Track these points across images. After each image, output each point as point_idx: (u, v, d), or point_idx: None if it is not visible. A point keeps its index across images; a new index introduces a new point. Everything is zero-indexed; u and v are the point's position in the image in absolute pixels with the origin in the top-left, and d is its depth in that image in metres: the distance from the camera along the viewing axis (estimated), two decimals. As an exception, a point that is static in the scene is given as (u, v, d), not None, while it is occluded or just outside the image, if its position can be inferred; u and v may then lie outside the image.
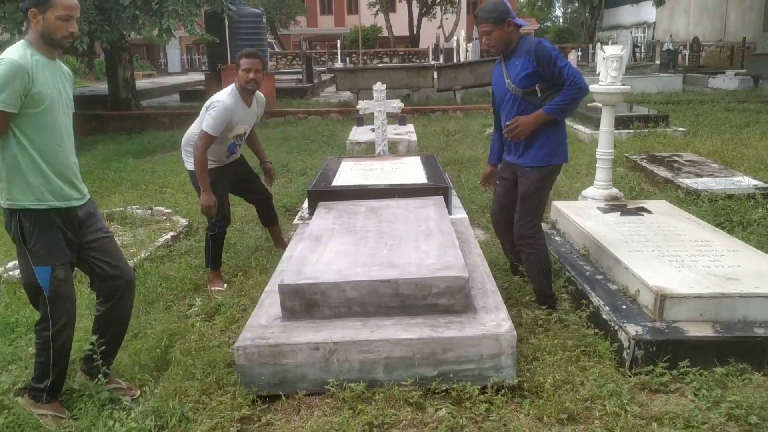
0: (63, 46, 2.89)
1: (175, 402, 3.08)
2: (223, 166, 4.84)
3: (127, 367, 3.50)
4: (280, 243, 5.32)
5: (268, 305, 3.55)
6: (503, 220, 4.21)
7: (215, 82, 13.69)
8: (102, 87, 21.05)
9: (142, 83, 18.75)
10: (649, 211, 4.95)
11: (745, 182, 6.56)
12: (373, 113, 7.91)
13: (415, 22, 40.46)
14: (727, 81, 18.10)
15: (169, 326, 3.97)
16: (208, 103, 4.61)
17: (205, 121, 4.51)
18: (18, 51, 2.83)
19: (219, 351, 3.59)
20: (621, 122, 9.89)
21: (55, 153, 2.96)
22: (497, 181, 4.24)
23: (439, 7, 40.52)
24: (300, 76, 21.47)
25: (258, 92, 4.86)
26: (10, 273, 4.72)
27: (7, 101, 2.73)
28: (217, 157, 4.73)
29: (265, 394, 3.12)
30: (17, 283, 4.57)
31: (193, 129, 4.79)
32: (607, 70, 5.45)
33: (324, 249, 3.79)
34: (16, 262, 4.91)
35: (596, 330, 3.59)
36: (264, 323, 3.32)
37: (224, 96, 4.58)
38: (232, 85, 4.65)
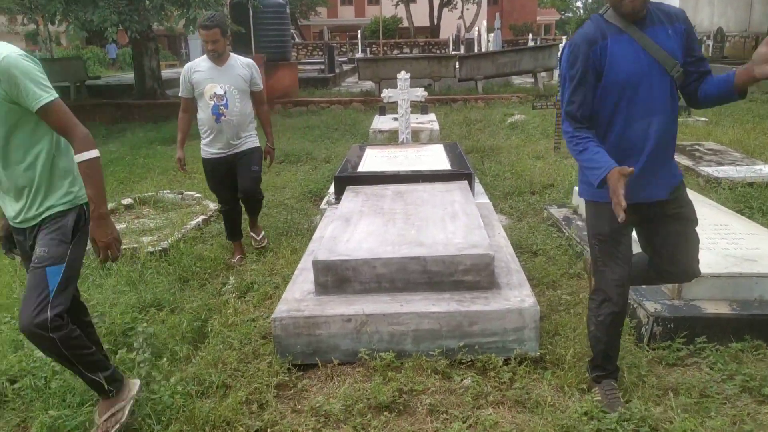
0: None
1: (214, 370, 3.27)
2: (220, 159, 4.87)
3: (166, 339, 3.69)
4: (254, 228, 5.35)
5: (302, 281, 3.73)
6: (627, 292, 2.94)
7: (239, 71, 13.87)
8: (126, 77, 21.41)
9: (165, 73, 18.99)
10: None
11: (766, 170, 6.62)
12: (395, 102, 8.05)
13: (435, 13, 40.40)
14: (751, 72, 17.94)
15: (206, 302, 4.18)
16: None
17: None
18: None
19: (254, 324, 3.78)
20: (643, 112, 9.90)
21: None
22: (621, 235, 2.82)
23: (459, -2, 40.42)
24: (322, 66, 21.64)
25: (240, 57, 4.89)
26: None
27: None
28: (208, 125, 4.79)
29: (299, 363, 3.30)
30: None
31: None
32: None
33: (354, 229, 3.96)
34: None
35: (616, 308, 3.72)
36: (298, 297, 3.50)
37: (195, 59, 4.86)
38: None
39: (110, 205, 6.33)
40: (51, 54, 25.55)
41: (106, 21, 10.79)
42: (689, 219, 2.91)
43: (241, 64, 4.82)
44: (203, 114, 4.78)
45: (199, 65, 4.75)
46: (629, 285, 2.89)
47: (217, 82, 4.71)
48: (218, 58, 4.70)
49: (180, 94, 4.84)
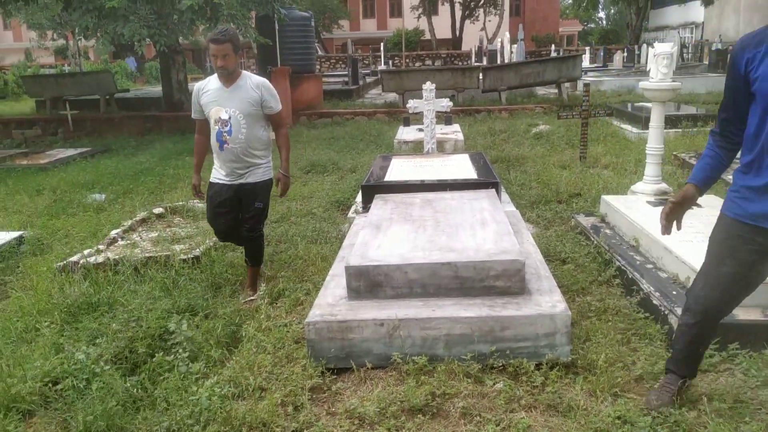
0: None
1: (250, 373, 3.34)
2: (224, 186, 4.47)
3: (201, 343, 3.76)
4: (251, 284, 4.68)
5: (334, 287, 3.79)
6: (714, 314, 2.81)
7: (265, 84, 14.07)
8: (154, 90, 21.74)
9: (191, 85, 19.34)
10: (698, 205, 5.00)
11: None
12: (420, 113, 8.12)
13: (457, 25, 40.54)
14: (779, 81, 17.74)
15: (238, 308, 4.25)
16: None
17: None
18: None
19: (287, 329, 3.85)
20: (669, 121, 9.86)
21: None
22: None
23: (481, 10, 40.52)
24: (346, 79, 21.82)
25: (253, 76, 4.44)
26: (88, 259, 5.05)
27: None
28: (214, 151, 4.48)
29: (332, 367, 3.35)
30: (94, 268, 4.91)
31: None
32: (658, 67, 5.55)
33: (384, 236, 4.01)
34: (92, 249, 5.28)
35: (646, 314, 3.73)
36: (331, 302, 3.56)
37: (207, 78, 4.47)
38: None
39: (142, 214, 6.47)
40: (80, 68, 26.06)
41: (135, 35, 11.03)
42: None
43: (252, 84, 4.34)
44: (212, 138, 4.43)
45: (207, 85, 4.38)
46: (716, 312, 2.76)
47: (222, 105, 4.29)
48: (228, 76, 4.26)
49: (192, 116, 4.53)
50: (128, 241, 5.70)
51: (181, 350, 3.54)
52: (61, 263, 5.07)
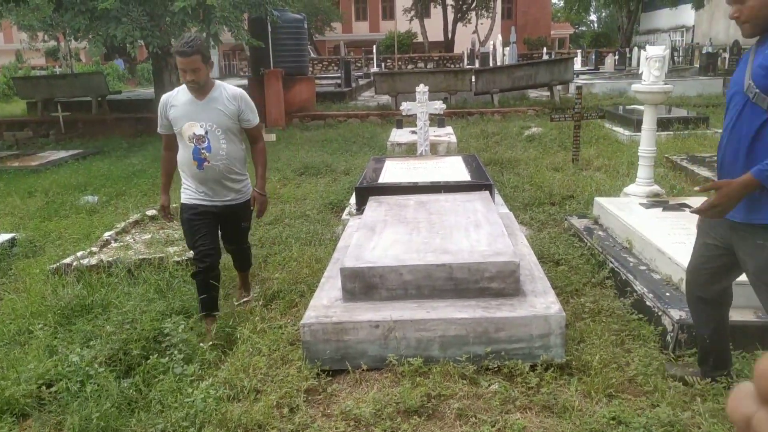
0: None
1: (245, 375, 3.33)
2: (204, 207, 4.01)
3: (196, 345, 3.75)
4: (243, 286, 4.63)
5: (329, 288, 3.79)
6: (696, 288, 3.07)
7: (258, 86, 14.07)
8: (146, 91, 21.67)
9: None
10: (690, 207, 5.07)
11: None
12: (413, 115, 8.13)
13: (449, 27, 40.60)
14: (769, 84, 17.86)
15: (232, 310, 4.25)
16: None
17: None
18: None
19: (281, 331, 3.85)
20: (660, 124, 9.89)
21: None
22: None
23: (474, 12, 40.60)
24: (338, 81, 21.82)
25: (228, 86, 4.04)
26: (81, 261, 5.04)
27: None
28: (188, 169, 3.97)
29: (328, 369, 3.36)
30: (87, 270, 4.90)
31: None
32: (650, 70, 5.59)
33: (379, 238, 4.02)
34: (85, 251, 5.26)
35: (640, 316, 3.76)
36: (326, 304, 3.56)
37: (175, 90, 3.99)
38: None
39: (135, 216, 6.45)
40: (71, 69, 25.95)
41: (128, 37, 10.99)
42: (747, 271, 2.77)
43: (228, 96, 3.92)
44: (183, 155, 3.95)
45: (176, 98, 3.89)
46: (696, 287, 3.04)
47: (196, 120, 3.84)
48: (199, 90, 3.84)
49: (159, 130, 4.01)
50: (121, 243, 5.68)
51: (176, 352, 3.53)
52: (54, 265, 5.05)
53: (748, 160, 2.56)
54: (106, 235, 5.81)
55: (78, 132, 14.54)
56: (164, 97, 3.96)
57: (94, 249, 5.41)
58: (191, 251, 4.17)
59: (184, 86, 3.89)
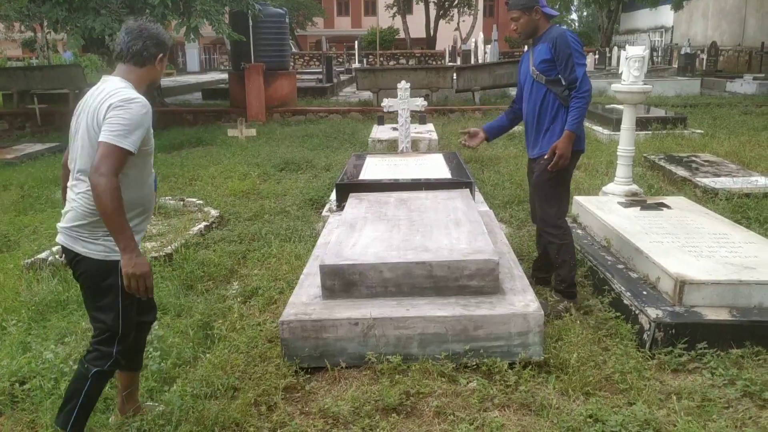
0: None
1: (222, 372, 3.31)
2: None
3: (174, 343, 3.71)
4: (132, 399, 2.97)
5: (308, 285, 3.77)
6: (532, 214, 4.45)
7: (238, 81, 13.97)
8: (125, 85, 21.42)
9: (164, 81, 19.11)
10: (668, 206, 5.13)
11: (762, 182, 6.71)
12: (394, 112, 8.12)
13: (431, 24, 40.64)
14: (745, 85, 18.12)
15: (211, 307, 4.21)
16: (110, 101, 2.52)
17: (111, 128, 2.47)
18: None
19: (260, 328, 3.82)
20: (639, 123, 9.98)
21: None
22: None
23: (456, 10, 40.67)
24: (320, 76, 21.75)
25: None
26: (57, 256, 4.96)
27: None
28: (144, 204, 2.74)
29: (306, 366, 3.34)
30: (63, 266, 4.83)
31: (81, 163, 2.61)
32: (630, 70, 5.63)
33: (359, 235, 4.00)
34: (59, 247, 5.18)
35: (618, 314, 3.78)
36: (305, 301, 3.55)
37: (132, 91, 2.60)
38: (126, 82, 2.64)
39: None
40: (49, 61, 25.56)
41: (107, 29, 10.85)
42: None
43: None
44: (140, 179, 2.70)
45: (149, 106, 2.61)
46: (532, 212, 4.41)
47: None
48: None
49: (130, 148, 2.46)
50: (98, 239, 5.60)
51: (152, 349, 3.49)
52: (29, 260, 4.97)
53: (539, 117, 4.02)
54: (83, 229, 5.72)
55: (55, 125, 14.33)
56: (148, 105, 2.58)
57: (70, 244, 5.33)
58: (121, 336, 2.69)
59: (134, 89, 2.66)
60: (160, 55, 2.71)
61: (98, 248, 2.59)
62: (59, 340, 3.74)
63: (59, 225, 2.66)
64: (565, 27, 3.96)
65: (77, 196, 2.59)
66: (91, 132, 2.56)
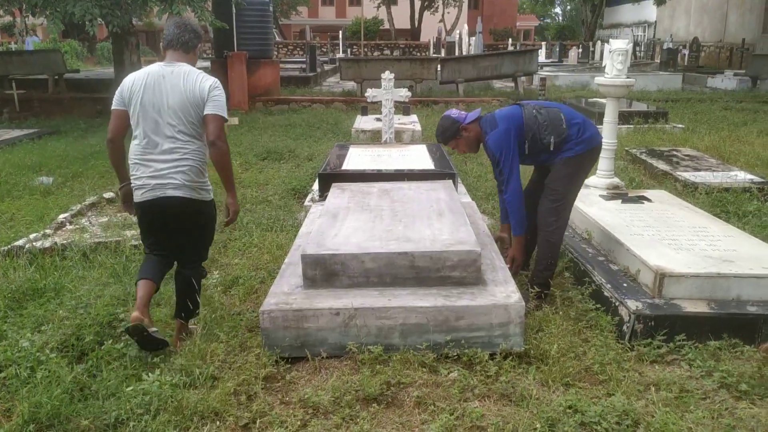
0: None
1: (202, 362, 3.28)
2: None
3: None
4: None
5: (289, 275, 3.75)
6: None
7: (221, 69, 13.83)
8: (106, 71, 21.17)
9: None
10: (649, 200, 5.16)
11: (741, 176, 6.78)
12: (378, 102, 8.10)
13: (416, 16, 40.55)
14: (726, 81, 18.31)
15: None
16: (207, 83, 3.33)
17: (217, 104, 3.32)
18: None
19: (240, 317, 3.80)
20: (621, 117, 10.04)
21: None
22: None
23: (441, 1, 40.60)
24: (303, 66, 21.63)
25: None
26: (34, 243, 4.89)
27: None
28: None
29: (287, 356, 3.32)
30: (40, 253, 4.76)
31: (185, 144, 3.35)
32: (613, 63, 5.65)
33: (342, 225, 3.98)
34: (39, 233, 5.11)
35: (598, 306, 3.80)
36: (286, 290, 3.52)
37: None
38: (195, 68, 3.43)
39: (92, 199, 6.30)
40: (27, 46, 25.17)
41: (87, 14, 10.67)
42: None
43: None
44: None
45: None
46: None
47: None
48: None
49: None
50: (77, 226, 5.54)
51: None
52: (6, 247, 4.90)
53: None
54: (61, 217, 5.65)
55: (33, 111, 14.12)
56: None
57: (48, 231, 5.27)
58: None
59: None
60: (198, 44, 3.44)
61: (209, 194, 3.49)
62: (36, 328, 3.68)
63: (170, 181, 3.31)
64: (491, 132, 3.96)
65: (190, 155, 3.35)
66: (189, 104, 3.28)
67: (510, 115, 4.00)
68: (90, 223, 5.67)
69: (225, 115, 3.37)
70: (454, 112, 4.22)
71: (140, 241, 4.95)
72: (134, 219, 5.68)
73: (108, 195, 6.44)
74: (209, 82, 3.33)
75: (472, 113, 4.19)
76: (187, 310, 3.57)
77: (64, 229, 5.48)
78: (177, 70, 3.31)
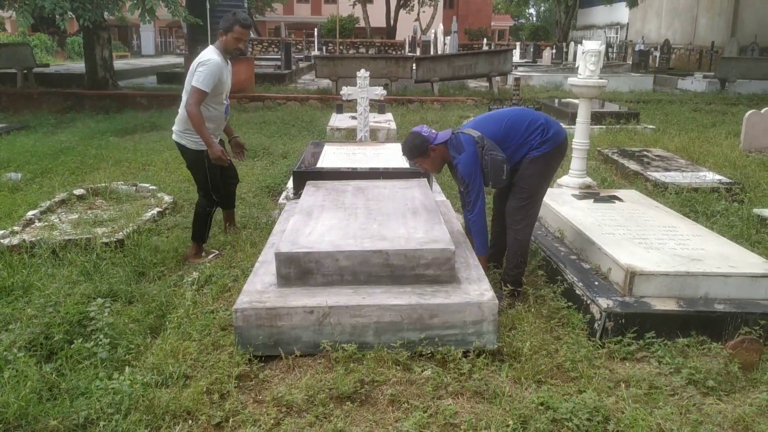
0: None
1: (174, 360, 3.25)
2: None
3: (123, 329, 3.62)
4: (232, 224, 5.40)
5: (263, 273, 3.73)
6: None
7: (195, 64, 13.67)
8: (76, 66, 20.84)
9: (117, 64, 18.57)
10: (620, 199, 5.23)
11: (709, 177, 6.91)
12: (353, 100, 8.09)
13: (392, 14, 40.57)
14: (695, 83, 18.61)
15: (163, 294, 4.13)
16: (196, 62, 4.55)
17: (195, 77, 4.48)
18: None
19: (213, 316, 3.77)
20: (593, 118, 10.18)
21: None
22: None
23: (416, 0, 40.67)
24: (278, 63, 21.49)
25: None
26: (2, 241, 4.80)
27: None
28: (216, 123, 4.78)
29: (260, 354, 3.31)
30: (8, 251, 4.68)
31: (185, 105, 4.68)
32: (586, 64, 5.71)
33: (316, 223, 3.97)
34: (7, 230, 5.02)
35: (570, 304, 3.85)
36: (260, 289, 3.51)
37: (211, 53, 4.59)
38: (213, 46, 4.67)
39: (62, 195, 6.19)
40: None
41: (57, 8, 10.49)
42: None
43: None
44: (216, 111, 4.74)
45: (222, 62, 4.63)
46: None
47: (227, 82, 4.79)
48: (233, 57, 4.90)
49: (204, 88, 4.49)
50: (46, 223, 5.45)
51: (102, 336, 3.41)
52: (-28, 245, 4.79)
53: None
54: (30, 214, 5.55)
55: (1, 106, 13.86)
56: (216, 60, 4.55)
57: (16, 228, 5.17)
58: (212, 192, 4.92)
59: (216, 52, 4.61)
60: (223, 29, 4.61)
61: (192, 144, 4.72)
62: (3, 327, 3.61)
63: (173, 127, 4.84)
64: (459, 156, 3.99)
65: (181, 111, 4.72)
66: (189, 75, 4.59)
67: (471, 140, 3.98)
68: (59, 220, 5.58)
69: (199, 86, 4.46)
70: (425, 129, 4.18)
71: (110, 239, 4.92)
72: (106, 215, 5.65)
73: (78, 192, 6.34)
74: (200, 59, 4.53)
75: (442, 133, 4.14)
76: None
77: (32, 226, 5.38)
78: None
